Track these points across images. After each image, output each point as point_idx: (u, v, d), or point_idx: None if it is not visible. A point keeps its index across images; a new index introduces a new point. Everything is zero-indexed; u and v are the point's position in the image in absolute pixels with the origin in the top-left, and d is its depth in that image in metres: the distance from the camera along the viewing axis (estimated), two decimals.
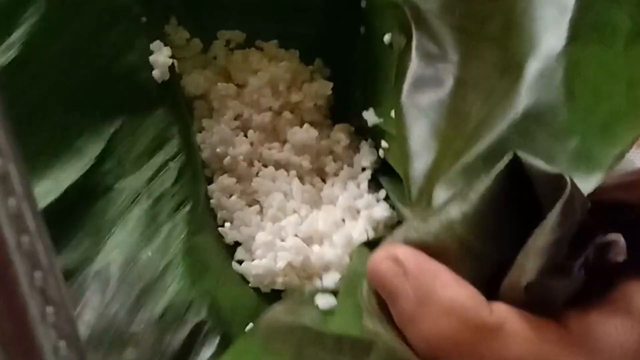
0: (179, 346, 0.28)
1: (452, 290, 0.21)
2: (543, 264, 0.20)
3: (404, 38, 0.31)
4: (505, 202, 0.22)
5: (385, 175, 0.35)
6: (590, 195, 0.25)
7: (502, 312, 0.21)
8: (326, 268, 0.32)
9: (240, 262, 0.32)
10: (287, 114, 0.36)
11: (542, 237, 0.20)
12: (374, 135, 0.35)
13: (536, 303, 0.21)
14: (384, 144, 0.34)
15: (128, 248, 0.29)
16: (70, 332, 0.13)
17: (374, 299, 0.23)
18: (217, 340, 0.29)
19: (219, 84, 0.36)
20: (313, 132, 0.35)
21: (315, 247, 0.32)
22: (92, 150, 0.31)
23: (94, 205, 0.30)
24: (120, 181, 0.31)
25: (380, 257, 0.22)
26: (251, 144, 0.35)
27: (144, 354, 0.28)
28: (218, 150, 0.35)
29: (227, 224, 0.33)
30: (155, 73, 0.32)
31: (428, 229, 0.22)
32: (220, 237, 0.33)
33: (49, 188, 0.30)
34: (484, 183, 0.22)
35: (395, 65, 0.31)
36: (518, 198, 0.22)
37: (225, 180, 0.34)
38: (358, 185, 0.35)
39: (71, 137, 0.30)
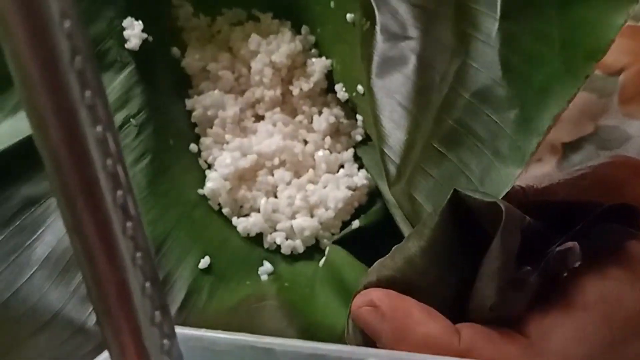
0: None
1: (424, 326, 0.24)
2: (499, 284, 0.23)
3: (367, 21, 0.33)
4: (454, 231, 0.25)
5: (365, 145, 0.37)
6: (542, 194, 0.28)
7: (469, 337, 0.24)
8: (291, 234, 0.35)
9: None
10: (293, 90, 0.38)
11: (492, 262, 0.23)
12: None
13: (499, 316, 0.24)
14: (359, 116, 0.37)
15: None
16: (145, 246, 0.15)
17: (360, 337, 0.26)
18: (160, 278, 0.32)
19: (219, 55, 0.39)
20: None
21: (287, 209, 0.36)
22: None
23: None
24: None
25: (359, 303, 0.25)
26: (240, 109, 0.37)
27: None
28: (209, 112, 0.37)
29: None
30: (128, 44, 0.35)
31: (394, 265, 0.25)
32: (191, 182, 0.36)
33: (24, 127, 0.32)
34: (433, 219, 0.25)
35: (360, 44, 0.34)
36: (465, 225, 0.25)
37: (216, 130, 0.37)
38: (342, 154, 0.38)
39: None
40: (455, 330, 0.24)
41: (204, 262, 0.33)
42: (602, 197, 0.26)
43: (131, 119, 0.35)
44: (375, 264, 0.26)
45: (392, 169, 0.31)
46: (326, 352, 0.19)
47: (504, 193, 0.26)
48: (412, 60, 0.31)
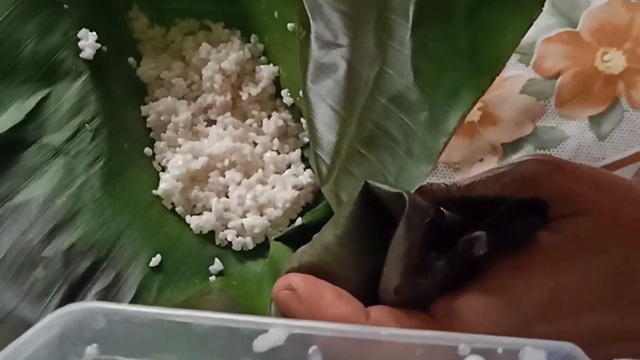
0: (79, 275, 0.34)
1: (335, 307, 0.25)
2: (403, 268, 0.24)
3: (303, 30, 0.35)
4: (367, 221, 0.26)
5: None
6: (464, 191, 0.30)
7: (376, 317, 0.25)
8: (242, 231, 0.37)
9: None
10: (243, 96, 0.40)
11: (397, 247, 0.25)
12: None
13: (407, 300, 0.25)
14: (302, 120, 0.39)
15: (47, 192, 0.35)
16: None
17: (280, 317, 0.27)
18: (110, 277, 0.34)
19: (173, 63, 0.41)
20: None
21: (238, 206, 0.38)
22: (20, 112, 0.36)
23: (19, 154, 0.35)
24: (43, 138, 0.36)
25: (279, 287, 0.27)
26: (192, 114, 0.39)
27: (51, 275, 0.33)
28: (162, 118, 0.38)
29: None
30: (83, 54, 0.37)
31: (313, 252, 0.27)
32: (145, 184, 0.38)
33: None
34: (347, 209, 0.26)
35: (298, 52, 0.35)
36: (377, 215, 0.26)
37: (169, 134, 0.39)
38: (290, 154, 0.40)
39: (5, 101, 0.36)
40: (364, 311, 0.25)
41: (155, 260, 0.35)
42: (521, 193, 0.28)
43: (86, 125, 0.36)
44: (297, 251, 0.28)
45: (324, 170, 0.33)
46: (241, 325, 0.20)
47: (415, 188, 0.28)
48: (343, 67, 0.33)
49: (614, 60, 0.43)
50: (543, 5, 0.26)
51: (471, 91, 0.27)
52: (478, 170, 0.43)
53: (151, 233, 0.36)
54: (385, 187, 0.26)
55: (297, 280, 0.26)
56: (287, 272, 0.27)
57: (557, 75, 0.43)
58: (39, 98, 0.36)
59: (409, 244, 0.24)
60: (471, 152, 0.43)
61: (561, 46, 0.44)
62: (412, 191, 0.27)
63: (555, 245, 0.26)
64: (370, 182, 0.26)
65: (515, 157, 0.43)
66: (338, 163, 0.32)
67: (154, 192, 0.38)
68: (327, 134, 0.33)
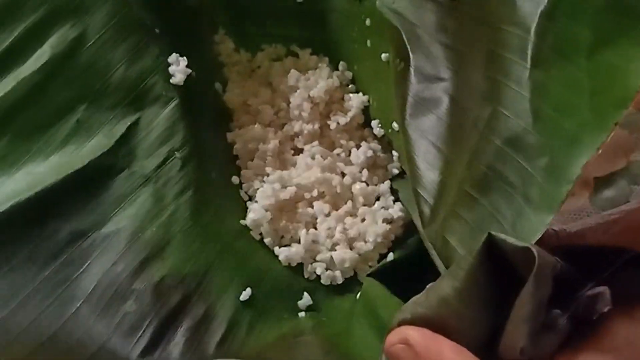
0: (170, 309, 0.32)
1: None
2: (530, 328, 0.23)
3: (401, 61, 0.33)
4: (488, 274, 0.25)
5: (400, 179, 0.38)
6: (574, 238, 0.28)
7: None
8: (331, 265, 0.36)
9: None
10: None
11: (523, 307, 0.24)
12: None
13: (530, 359, 0.24)
14: (394, 152, 0.38)
15: (136, 221, 0.34)
16: None
17: None
18: (201, 311, 0.33)
19: (260, 90, 0.40)
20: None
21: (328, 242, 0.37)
22: (111, 137, 0.35)
23: (110, 181, 0.34)
24: (133, 164, 0.35)
25: (393, 340, 0.25)
26: (279, 142, 0.38)
27: (142, 309, 0.32)
28: (250, 145, 0.38)
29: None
30: (174, 79, 0.37)
31: (428, 304, 0.25)
32: (233, 214, 0.37)
33: (74, 161, 0.34)
34: (467, 260, 0.25)
35: (394, 84, 0.34)
36: (499, 268, 0.25)
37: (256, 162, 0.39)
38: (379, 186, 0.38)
39: (94, 126, 0.35)
40: None
41: (246, 294, 0.34)
42: (634, 243, 0.26)
43: (175, 152, 0.36)
44: (410, 301, 0.26)
45: (426, 210, 0.31)
46: None
47: (535, 239, 0.26)
48: (445, 102, 0.32)
49: None
50: None
51: (593, 136, 0.26)
52: (569, 204, 0.42)
53: (240, 265, 0.35)
54: (511, 239, 0.25)
55: (413, 334, 0.25)
56: (400, 325, 0.26)
57: None
58: (129, 123, 0.35)
59: (537, 302, 0.23)
60: None
61: None
62: (533, 242, 0.26)
63: None
64: (494, 233, 0.25)
65: (608, 193, 0.41)
66: (444, 205, 0.31)
67: (242, 222, 0.37)
68: (428, 172, 0.32)
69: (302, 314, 0.35)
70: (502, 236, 0.25)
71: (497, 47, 0.29)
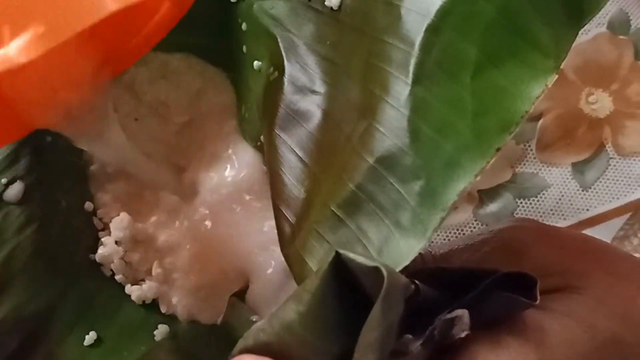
0: (5, 357, 0.30)
1: None
2: (377, 356, 0.21)
3: (274, 70, 0.31)
4: (336, 297, 0.23)
5: None
6: (440, 261, 0.27)
7: None
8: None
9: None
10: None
11: (370, 332, 0.21)
12: None
13: None
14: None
15: None
16: None
17: None
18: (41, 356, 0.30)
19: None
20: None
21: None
22: None
23: None
24: None
25: None
26: None
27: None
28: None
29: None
30: None
31: (271, 330, 0.23)
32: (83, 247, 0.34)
33: None
34: (313, 282, 0.23)
35: (263, 94, 0.32)
36: (347, 291, 0.23)
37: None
38: None
39: None
40: None
41: (90, 338, 0.31)
42: (504, 264, 0.25)
43: (18, 181, 0.32)
44: (253, 327, 0.24)
45: (287, 229, 0.29)
46: None
47: (402, 265, 0.24)
48: (317, 116, 0.29)
49: (599, 102, 0.40)
50: (558, 71, 0.24)
51: (473, 161, 0.24)
52: (451, 219, 0.40)
53: (85, 305, 0.32)
54: (361, 258, 0.22)
55: None
56: (240, 352, 0.23)
57: (538, 117, 0.40)
58: None
59: (387, 326, 0.21)
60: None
61: None
62: (399, 269, 0.24)
63: (543, 326, 0.24)
64: (342, 251, 0.22)
65: (493, 206, 0.40)
66: (306, 223, 0.28)
67: (91, 256, 0.33)
68: (293, 188, 0.29)
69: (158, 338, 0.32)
70: (351, 255, 0.22)
71: (378, 60, 0.27)
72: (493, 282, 0.23)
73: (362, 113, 0.27)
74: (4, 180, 0.32)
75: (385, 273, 0.21)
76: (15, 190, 0.32)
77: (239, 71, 0.36)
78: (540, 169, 0.40)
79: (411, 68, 0.25)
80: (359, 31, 0.28)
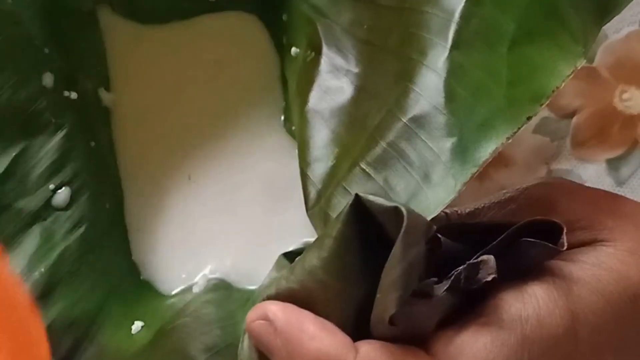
0: (61, 357, 0.30)
1: (318, 341, 0.22)
2: (400, 295, 0.21)
3: (312, 52, 0.32)
4: (357, 240, 0.23)
5: None
6: (465, 218, 0.27)
7: (366, 353, 0.22)
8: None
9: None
10: None
11: (392, 270, 0.21)
12: None
13: (404, 333, 0.22)
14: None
15: (25, 262, 0.31)
16: None
17: (254, 354, 0.24)
18: (92, 354, 0.31)
19: None
20: None
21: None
22: None
23: None
24: (19, 200, 0.32)
25: (252, 317, 0.24)
26: None
27: None
28: None
29: None
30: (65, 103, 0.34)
31: (294, 278, 0.24)
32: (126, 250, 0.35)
33: None
34: (334, 227, 0.23)
35: (298, 74, 0.33)
36: (369, 234, 0.23)
37: None
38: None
39: None
40: (352, 347, 0.22)
41: (135, 327, 0.32)
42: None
43: (65, 186, 0.33)
44: (274, 277, 0.25)
45: (313, 192, 0.30)
46: None
47: (429, 218, 0.24)
48: (352, 91, 0.30)
49: (633, 99, 0.40)
50: (587, 55, 0.25)
51: (506, 125, 0.25)
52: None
53: (130, 307, 0.33)
54: (380, 199, 0.22)
55: (273, 309, 0.23)
56: (264, 300, 0.24)
57: (572, 114, 0.41)
58: (14, 155, 0.32)
59: (406, 265, 0.21)
60: (481, 197, 0.40)
61: (577, 82, 0.41)
62: None
63: (571, 275, 0.24)
64: (361, 194, 0.23)
65: None
66: (332, 183, 0.29)
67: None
68: (323, 157, 0.30)
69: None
70: (371, 197, 0.23)
71: (416, 29, 0.28)
72: (518, 230, 0.23)
73: (398, 78, 0.28)
74: (51, 187, 0.33)
75: (405, 212, 0.21)
76: (63, 196, 0.33)
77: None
78: (575, 166, 0.40)
79: (450, 34, 0.27)
80: (397, 10, 0.29)
